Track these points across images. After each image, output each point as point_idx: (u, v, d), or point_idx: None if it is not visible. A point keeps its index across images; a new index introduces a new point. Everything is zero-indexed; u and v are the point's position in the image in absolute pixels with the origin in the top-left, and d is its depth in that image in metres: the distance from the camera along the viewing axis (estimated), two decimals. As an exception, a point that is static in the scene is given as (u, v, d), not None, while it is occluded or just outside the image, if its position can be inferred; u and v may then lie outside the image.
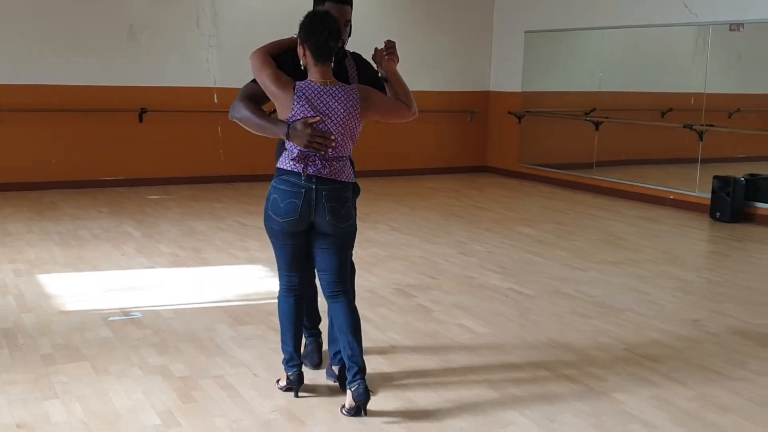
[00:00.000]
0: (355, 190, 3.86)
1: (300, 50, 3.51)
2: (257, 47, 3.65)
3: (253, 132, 3.62)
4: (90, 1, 9.65)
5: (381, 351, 4.51)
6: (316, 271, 3.83)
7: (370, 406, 3.63)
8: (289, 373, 3.79)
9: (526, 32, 11.60)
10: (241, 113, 3.58)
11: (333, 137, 3.48)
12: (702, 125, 9.33)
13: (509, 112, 11.86)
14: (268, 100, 3.61)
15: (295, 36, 3.66)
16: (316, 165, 3.50)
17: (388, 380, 4.09)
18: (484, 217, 8.78)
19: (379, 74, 3.72)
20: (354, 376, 3.59)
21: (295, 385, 3.77)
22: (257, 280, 6.04)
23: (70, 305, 5.25)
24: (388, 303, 5.43)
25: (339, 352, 4.00)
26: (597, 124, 10.70)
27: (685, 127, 9.48)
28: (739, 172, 8.89)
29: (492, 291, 5.81)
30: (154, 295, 5.51)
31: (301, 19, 3.52)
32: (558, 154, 11.64)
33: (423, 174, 11.82)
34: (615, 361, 4.45)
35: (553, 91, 11.71)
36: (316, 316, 4.29)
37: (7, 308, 5.13)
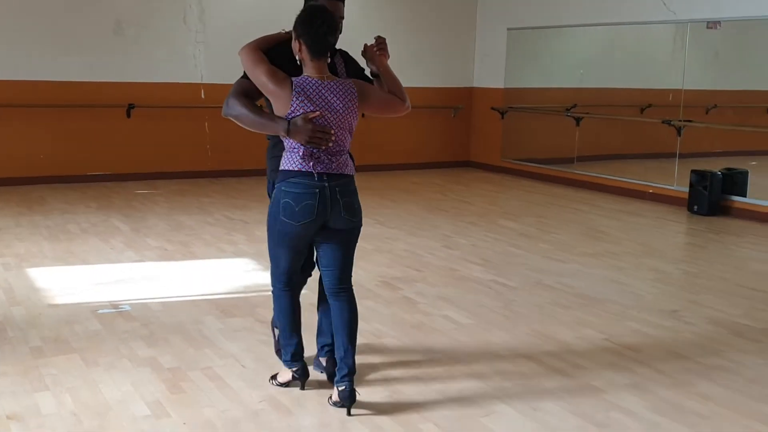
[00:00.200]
0: None
1: (296, 45, 3.43)
2: (244, 43, 3.57)
3: (250, 129, 3.52)
4: (77, -2, 9.59)
5: (367, 342, 4.51)
6: (319, 267, 3.73)
7: (358, 395, 3.64)
8: (294, 368, 3.72)
9: (508, 29, 11.62)
10: (237, 110, 3.48)
11: (332, 131, 3.42)
12: (680, 121, 9.39)
13: (492, 108, 11.88)
14: (261, 96, 3.53)
15: (283, 31, 3.63)
16: (323, 162, 3.43)
17: (375, 370, 4.10)
18: (468, 211, 8.81)
19: (370, 70, 3.68)
20: (342, 377, 3.56)
21: (303, 378, 3.73)
22: (244, 273, 6.03)
23: (60, 298, 5.22)
24: (374, 295, 5.44)
25: (327, 345, 4.01)
26: (578, 120, 10.75)
27: (663, 122, 9.54)
28: (716, 166, 8.96)
29: (475, 283, 5.83)
30: (143, 288, 5.50)
31: (298, 13, 3.44)
32: (540, 149, 11.68)
33: (407, 169, 11.83)
34: (595, 350, 4.48)
35: (535, 88, 11.73)
36: None
37: (-4, 301, 5.12)
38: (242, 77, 3.57)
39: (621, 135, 10.83)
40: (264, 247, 3.97)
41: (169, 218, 7.86)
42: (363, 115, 3.64)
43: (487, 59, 12.06)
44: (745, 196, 8.77)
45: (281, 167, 3.49)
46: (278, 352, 4.04)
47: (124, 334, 4.55)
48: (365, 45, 3.63)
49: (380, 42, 3.63)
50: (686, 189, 9.02)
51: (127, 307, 5.04)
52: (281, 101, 3.40)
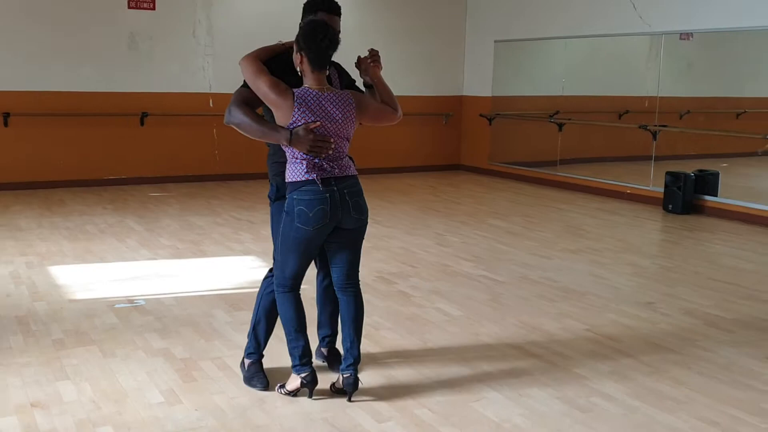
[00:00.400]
0: None
1: (297, 57, 3.37)
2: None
3: (251, 137, 3.44)
4: (93, 13, 9.57)
5: (366, 333, 4.48)
6: (329, 263, 3.65)
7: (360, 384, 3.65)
8: (303, 374, 3.50)
9: (495, 41, 11.63)
10: (239, 118, 3.41)
11: (332, 140, 3.36)
12: (655, 126, 9.40)
13: (480, 115, 11.88)
14: (261, 104, 3.46)
15: (281, 42, 3.58)
16: (326, 169, 3.38)
17: (373, 359, 4.10)
18: (459, 210, 8.81)
19: (363, 81, 3.64)
20: (348, 366, 3.55)
21: (311, 386, 3.52)
22: (251, 269, 6.02)
23: (79, 294, 5.22)
24: (371, 289, 5.43)
25: (327, 336, 4.01)
26: (560, 125, 10.75)
27: (640, 127, 9.55)
28: (689, 168, 8.97)
29: (466, 278, 5.83)
30: (157, 284, 5.49)
31: (301, 27, 3.39)
32: (525, 152, 11.68)
33: (402, 172, 11.83)
34: (578, 340, 4.48)
35: (520, 96, 11.73)
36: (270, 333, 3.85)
37: (20, 297, 5.10)
38: (243, 86, 3.50)
39: (600, 139, 10.84)
40: (270, 246, 3.94)
41: (181, 219, 7.85)
42: (360, 124, 3.63)
43: (475, 69, 12.06)
44: (716, 196, 8.78)
45: (288, 179, 3.42)
46: (243, 361, 3.82)
47: (139, 327, 4.55)
48: (359, 57, 3.60)
49: (374, 54, 3.58)
50: (661, 189, 9.04)
51: (142, 302, 5.04)
52: (283, 111, 3.34)
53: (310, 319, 4.06)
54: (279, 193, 3.62)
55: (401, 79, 11.58)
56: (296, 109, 3.32)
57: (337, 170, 3.42)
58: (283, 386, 3.60)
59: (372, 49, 3.60)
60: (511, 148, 11.75)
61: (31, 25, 9.24)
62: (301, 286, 3.65)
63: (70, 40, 9.46)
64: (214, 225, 7.57)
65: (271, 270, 3.76)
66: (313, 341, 4.14)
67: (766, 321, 4.93)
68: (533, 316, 4.92)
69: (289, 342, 3.56)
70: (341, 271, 3.60)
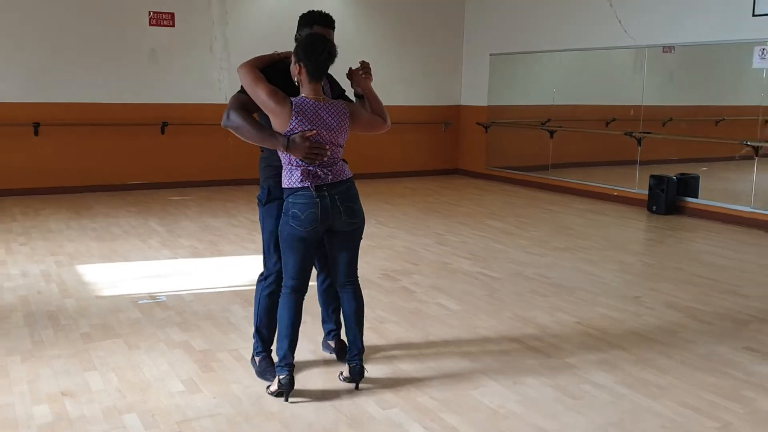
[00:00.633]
0: None
1: (295, 68, 3.33)
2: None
3: (248, 141, 3.38)
4: (118, 30, 9.59)
5: (371, 326, 4.51)
6: (329, 263, 3.62)
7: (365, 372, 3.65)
8: (281, 376, 3.40)
9: (491, 54, 11.62)
10: (238, 122, 3.35)
11: (327, 147, 3.34)
12: (640, 133, 9.39)
13: (477, 123, 11.87)
14: (258, 109, 3.40)
15: (276, 53, 3.55)
16: (319, 176, 3.35)
17: (378, 351, 4.10)
18: (458, 212, 8.80)
19: (354, 91, 3.58)
20: (353, 356, 3.55)
21: (287, 388, 3.40)
22: (265, 267, 6.02)
23: (105, 291, 5.23)
24: (376, 286, 5.44)
25: (332, 330, 3.97)
26: (552, 132, 10.74)
27: (625, 134, 9.53)
28: (671, 171, 8.95)
29: (464, 274, 5.83)
30: (177, 282, 5.50)
31: (300, 40, 3.35)
32: (519, 158, 11.66)
33: (404, 176, 11.82)
34: (569, 332, 4.48)
35: (514, 105, 11.71)
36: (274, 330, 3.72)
37: (51, 294, 5.11)
38: (240, 92, 3.44)
39: (589, 145, 10.82)
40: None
41: (199, 221, 7.86)
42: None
43: (472, 81, 12.06)
44: (697, 198, 8.77)
45: (284, 185, 3.39)
46: (253, 359, 3.81)
47: (161, 321, 4.56)
48: (350, 68, 3.54)
49: (365, 66, 3.53)
50: (646, 191, 9.02)
51: (164, 298, 5.05)
52: (280, 119, 3.29)
53: (315, 314, 4.07)
54: (270, 195, 3.57)
55: (403, 91, 11.63)
56: (294, 117, 3.28)
57: (330, 176, 3.38)
58: (269, 387, 3.53)
59: (363, 61, 3.55)
60: (506, 154, 11.74)
61: (59, 42, 9.27)
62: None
63: (96, 55, 9.48)
64: (230, 226, 7.57)
65: (262, 273, 3.74)
66: (320, 335, 4.17)
67: (743, 314, 4.92)
68: (527, 309, 4.92)
69: (277, 341, 3.51)
70: (339, 271, 3.57)
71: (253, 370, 3.77)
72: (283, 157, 3.37)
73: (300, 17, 3.57)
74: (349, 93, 3.69)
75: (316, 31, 3.44)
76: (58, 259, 6.09)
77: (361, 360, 3.57)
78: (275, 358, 3.61)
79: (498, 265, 6.11)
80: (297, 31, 3.56)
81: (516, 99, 11.70)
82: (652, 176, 8.87)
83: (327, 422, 3.24)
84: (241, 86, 3.43)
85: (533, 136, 11.22)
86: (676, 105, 9.79)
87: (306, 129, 3.29)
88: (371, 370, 3.78)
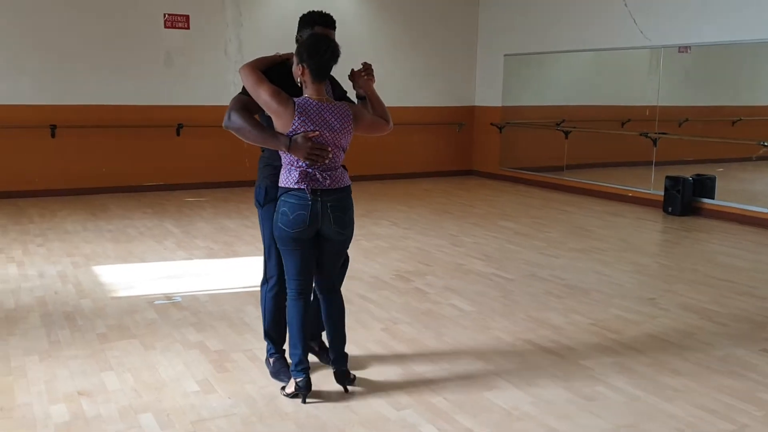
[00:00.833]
0: None
1: (298, 69, 3.29)
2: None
3: (250, 142, 3.35)
4: (133, 33, 9.66)
5: (384, 327, 4.53)
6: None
7: (375, 373, 3.66)
8: (297, 379, 3.42)
9: (505, 55, 11.61)
10: (239, 123, 3.32)
11: (329, 149, 3.30)
12: (656, 133, 9.34)
13: (491, 124, 11.86)
14: (259, 110, 3.38)
15: (278, 54, 3.54)
16: (317, 180, 3.31)
17: (391, 351, 4.11)
18: (471, 213, 8.80)
19: (356, 93, 3.55)
20: (334, 360, 3.54)
21: (304, 391, 3.41)
22: (279, 268, 6.04)
23: (121, 291, 5.27)
24: (389, 286, 5.45)
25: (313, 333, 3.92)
26: (566, 133, 10.71)
27: (641, 135, 9.49)
28: (687, 172, 8.90)
29: (478, 275, 5.82)
30: (192, 282, 5.53)
31: (303, 40, 3.32)
32: (534, 159, 11.64)
33: (418, 177, 11.83)
34: (583, 333, 4.47)
35: (529, 106, 11.69)
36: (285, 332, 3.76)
37: (67, 295, 5.16)
38: (240, 93, 3.42)
39: (604, 146, 10.78)
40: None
41: (214, 222, 7.90)
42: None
43: (486, 81, 12.05)
44: (713, 198, 8.71)
45: (280, 184, 3.37)
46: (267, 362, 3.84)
47: (176, 322, 4.59)
48: (352, 70, 3.51)
49: (367, 68, 3.49)
50: (661, 192, 8.98)
51: (179, 299, 5.08)
52: (283, 120, 3.27)
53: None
54: (267, 196, 3.55)
55: (417, 91, 11.64)
56: (296, 118, 3.25)
57: (329, 181, 3.34)
58: (284, 388, 3.54)
59: (365, 63, 3.52)
60: (520, 155, 11.72)
61: (76, 45, 9.36)
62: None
63: (111, 58, 9.56)
64: (245, 227, 7.61)
65: (264, 277, 3.73)
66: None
67: (760, 315, 4.89)
68: (541, 311, 4.91)
69: (290, 346, 3.51)
70: (323, 276, 3.54)
71: (267, 371, 3.78)
72: (285, 157, 3.35)
73: (300, 18, 3.53)
74: (351, 94, 3.66)
75: (317, 32, 3.40)
76: (74, 260, 6.15)
77: (343, 364, 3.54)
78: (289, 358, 3.62)
79: (512, 267, 6.10)
80: (297, 32, 3.52)
81: (530, 99, 11.68)
82: (667, 177, 8.82)
83: (341, 423, 3.25)
84: (242, 87, 3.41)
85: (548, 137, 11.20)
86: (692, 105, 9.73)
87: (309, 130, 3.26)
88: (384, 370, 3.80)
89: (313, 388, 3.52)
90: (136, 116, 9.73)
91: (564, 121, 10.77)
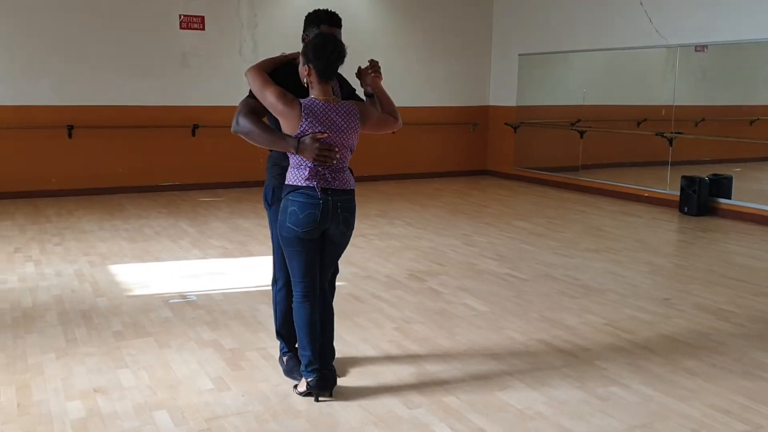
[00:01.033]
0: None
1: (304, 70, 3.28)
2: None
3: (259, 145, 3.35)
4: (149, 34, 9.74)
5: (397, 326, 4.54)
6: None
7: (388, 372, 3.67)
8: (309, 379, 3.43)
9: (519, 55, 11.58)
10: (247, 127, 3.31)
11: (337, 150, 3.29)
12: (671, 133, 9.29)
13: (506, 124, 11.84)
14: (267, 113, 3.37)
15: (284, 54, 3.53)
16: (326, 179, 3.31)
17: (404, 350, 4.12)
18: (485, 213, 8.79)
19: (364, 90, 3.53)
20: (326, 362, 3.51)
21: (316, 390, 3.43)
22: (293, 268, 6.06)
23: (137, 290, 5.31)
24: (403, 286, 5.46)
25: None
26: (581, 133, 10.67)
27: (657, 134, 9.44)
28: (703, 172, 8.84)
29: (491, 275, 5.82)
30: (207, 281, 5.57)
31: (309, 40, 3.30)
32: (548, 158, 11.61)
33: (432, 177, 11.83)
34: (597, 333, 4.46)
35: (543, 105, 11.67)
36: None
37: (84, 293, 5.21)
38: (248, 96, 3.41)
39: (619, 146, 10.73)
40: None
41: (229, 221, 7.94)
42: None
43: (501, 81, 12.03)
44: (730, 198, 8.65)
45: (288, 182, 3.36)
46: (281, 360, 3.85)
47: (191, 320, 4.62)
48: (360, 68, 3.49)
49: (374, 65, 3.46)
50: (677, 192, 8.92)
51: (194, 298, 5.11)
52: (290, 121, 3.25)
53: (337, 312, 4.08)
54: (275, 196, 3.54)
55: (431, 91, 11.65)
56: (304, 119, 3.24)
57: (337, 182, 3.34)
58: (297, 386, 3.55)
59: (372, 60, 3.50)
60: (535, 155, 11.68)
61: (92, 46, 9.44)
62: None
63: (128, 59, 9.64)
64: (260, 227, 7.64)
65: (273, 277, 3.74)
66: (344, 333, 4.19)
67: (777, 316, 4.86)
68: (555, 311, 4.90)
69: (299, 348, 3.51)
70: (320, 277, 3.50)
71: (280, 369, 3.80)
72: (293, 158, 3.34)
73: (306, 16, 3.51)
74: (359, 92, 3.65)
75: (323, 31, 3.37)
76: (91, 259, 6.20)
77: (326, 366, 3.51)
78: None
79: (526, 267, 6.09)
80: (303, 31, 3.49)
81: (545, 99, 11.65)
82: (683, 177, 8.76)
83: (354, 421, 3.27)
84: (250, 90, 3.41)
85: (563, 137, 11.16)
86: (708, 105, 9.67)
87: (316, 131, 3.25)
88: (396, 369, 3.81)
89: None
90: (152, 117, 9.80)
91: (579, 121, 10.73)
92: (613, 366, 3.92)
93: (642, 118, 10.18)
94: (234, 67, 10.20)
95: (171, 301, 5.03)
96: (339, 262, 3.68)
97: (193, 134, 10.06)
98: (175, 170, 10.09)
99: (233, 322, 4.59)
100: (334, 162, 3.31)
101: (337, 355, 3.98)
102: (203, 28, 10.01)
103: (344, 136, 3.34)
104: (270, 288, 3.88)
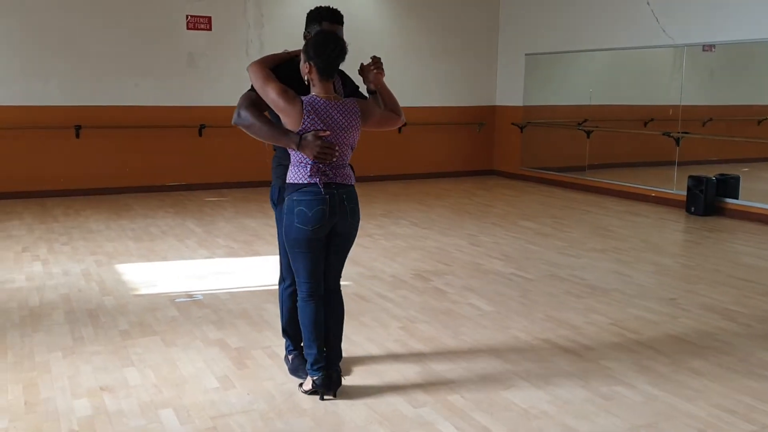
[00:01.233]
0: None
1: (305, 67, 3.28)
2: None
3: (260, 139, 3.34)
4: (156, 34, 9.78)
5: (402, 325, 4.55)
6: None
7: (393, 371, 3.67)
8: (314, 378, 3.44)
9: (526, 55, 11.58)
10: (249, 120, 3.31)
11: (337, 147, 3.30)
12: (678, 133, 9.27)
13: (512, 124, 11.83)
14: (268, 108, 3.35)
15: (286, 51, 3.53)
16: (328, 175, 3.31)
17: (409, 349, 4.13)
18: (491, 213, 8.79)
19: (367, 87, 3.52)
20: (333, 363, 3.52)
21: (321, 389, 3.44)
22: (299, 267, 6.07)
23: (143, 289, 5.34)
24: (408, 286, 5.46)
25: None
26: (588, 133, 10.66)
27: (663, 134, 9.42)
28: (710, 172, 8.82)
29: (497, 275, 5.82)
30: (213, 281, 5.59)
31: (310, 38, 3.29)
32: (555, 158, 11.60)
33: (438, 177, 11.83)
34: (603, 333, 4.46)
35: (550, 105, 11.66)
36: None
37: (90, 292, 5.24)
38: (250, 90, 3.40)
39: (626, 145, 10.72)
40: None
41: (235, 221, 7.97)
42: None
43: (507, 81, 12.03)
44: (737, 198, 8.63)
45: (290, 180, 3.36)
46: (287, 359, 3.86)
47: (197, 319, 4.64)
48: (362, 64, 3.47)
49: (376, 62, 3.45)
50: (684, 192, 8.90)
51: (200, 297, 5.13)
52: (291, 118, 3.25)
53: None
54: (281, 195, 3.54)
55: (438, 91, 11.65)
56: (305, 117, 3.24)
57: (338, 178, 3.35)
58: (302, 385, 3.56)
59: (374, 57, 3.49)
60: (541, 155, 11.67)
61: (100, 46, 9.49)
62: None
63: (135, 59, 9.68)
64: (266, 227, 7.65)
65: (281, 276, 3.75)
66: (351, 332, 4.20)
67: (783, 316, 4.84)
68: (560, 311, 4.90)
69: (305, 347, 3.52)
70: (329, 275, 3.51)
71: (286, 368, 3.82)
72: (294, 155, 3.34)
73: (308, 14, 3.49)
74: (363, 89, 3.63)
75: (325, 28, 3.37)
76: (98, 258, 6.23)
77: (334, 366, 3.52)
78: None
79: (531, 266, 6.09)
80: (305, 29, 3.49)
81: (552, 99, 11.64)
82: (690, 177, 8.74)
83: (359, 420, 3.28)
84: (251, 85, 3.39)
85: (569, 137, 11.15)
86: (716, 105, 9.65)
87: (318, 128, 3.25)
88: (401, 368, 3.81)
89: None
90: (159, 117, 9.84)
91: (586, 121, 10.72)
92: (618, 365, 3.91)
93: (649, 118, 10.17)
94: (241, 67, 10.14)
95: (177, 300, 5.05)
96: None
97: (200, 134, 10.09)
98: (181, 170, 10.12)
99: (239, 321, 4.60)
100: (335, 159, 3.32)
101: (343, 354, 4.00)
102: (210, 29, 10.04)
103: (345, 134, 3.34)
104: (276, 287, 3.90)
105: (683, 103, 9.29)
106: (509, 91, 12.01)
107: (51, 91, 9.32)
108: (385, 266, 6.04)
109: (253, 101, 3.37)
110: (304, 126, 3.26)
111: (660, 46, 9.46)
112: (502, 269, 6.00)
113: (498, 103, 12.29)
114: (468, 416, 3.31)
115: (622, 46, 9.94)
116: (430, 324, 4.60)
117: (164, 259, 6.27)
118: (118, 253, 6.41)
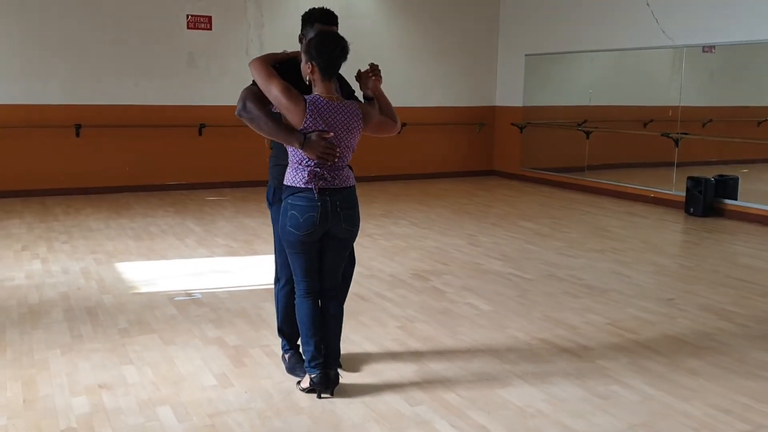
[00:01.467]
0: None
1: (307, 67, 3.27)
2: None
3: (262, 133, 3.30)
4: (156, 34, 9.79)
5: (401, 325, 4.56)
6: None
7: (391, 370, 3.68)
8: (312, 375, 3.45)
9: (526, 55, 11.59)
10: (255, 113, 3.27)
11: (338, 149, 3.29)
12: (678, 134, 9.27)
13: (512, 124, 11.84)
14: (270, 104, 3.31)
15: (285, 51, 3.53)
16: (326, 179, 3.30)
17: (407, 348, 4.14)
18: (491, 213, 8.79)
19: (363, 93, 3.51)
20: (331, 363, 3.51)
21: (319, 386, 3.46)
22: (298, 266, 6.08)
23: (142, 288, 5.35)
24: (407, 285, 5.47)
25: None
26: (588, 134, 10.66)
27: (663, 135, 9.43)
28: (709, 173, 8.83)
29: (496, 275, 5.83)
30: (212, 279, 5.60)
31: (311, 37, 3.28)
32: (554, 159, 11.60)
33: (438, 177, 11.84)
34: (600, 333, 4.46)
35: (549, 106, 11.66)
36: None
37: (90, 290, 5.25)
38: (252, 84, 3.37)
39: (626, 146, 10.72)
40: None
41: (235, 220, 7.98)
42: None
43: (507, 81, 12.03)
44: (736, 199, 8.63)
45: (287, 183, 3.35)
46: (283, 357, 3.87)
47: (196, 318, 4.65)
48: (359, 71, 3.47)
49: (374, 68, 3.45)
50: (683, 193, 8.91)
51: (199, 295, 5.14)
52: (293, 116, 3.23)
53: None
54: (276, 195, 3.54)
55: (438, 92, 11.66)
56: (308, 116, 3.22)
57: (337, 181, 3.34)
58: (299, 383, 3.57)
59: (372, 64, 3.49)
60: (541, 155, 11.68)
61: (100, 46, 9.50)
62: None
63: (135, 59, 9.69)
64: (265, 226, 7.64)
65: (276, 275, 3.76)
66: (349, 331, 4.21)
67: (780, 317, 4.85)
68: (558, 310, 4.91)
69: (302, 344, 3.53)
70: (327, 277, 3.51)
71: (283, 366, 3.82)
72: (294, 155, 3.32)
73: (302, 16, 3.50)
74: (359, 94, 3.63)
75: (325, 29, 3.36)
76: (97, 257, 6.24)
77: (333, 367, 3.51)
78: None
79: (530, 266, 6.10)
80: (301, 31, 3.49)
81: (551, 100, 11.64)
82: (689, 178, 8.75)
83: (356, 418, 3.29)
84: (253, 80, 3.36)
85: (569, 137, 11.15)
86: (715, 106, 9.65)
87: (320, 128, 3.24)
88: (398, 367, 3.82)
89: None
90: (159, 116, 9.85)
91: (585, 122, 10.73)
92: (614, 365, 3.92)
93: (648, 118, 10.17)
94: (241, 67, 10.20)
95: (176, 298, 5.06)
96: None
97: (200, 134, 10.10)
98: (181, 169, 10.13)
99: (237, 320, 4.61)
100: (335, 161, 3.32)
101: (341, 352, 4.01)
102: (210, 28, 10.05)
103: (347, 135, 3.34)
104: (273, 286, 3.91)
105: (683, 104, 9.29)
106: (509, 92, 12.02)
107: (51, 90, 9.33)
108: (384, 266, 6.05)
109: (258, 96, 3.34)
110: (305, 125, 3.25)
111: (660, 47, 9.47)
112: (501, 269, 6.00)
113: (498, 103, 12.29)
114: (465, 415, 3.32)
115: (622, 47, 9.95)
116: (429, 323, 4.60)
117: (164, 257, 6.28)
118: (117, 252, 6.42)
